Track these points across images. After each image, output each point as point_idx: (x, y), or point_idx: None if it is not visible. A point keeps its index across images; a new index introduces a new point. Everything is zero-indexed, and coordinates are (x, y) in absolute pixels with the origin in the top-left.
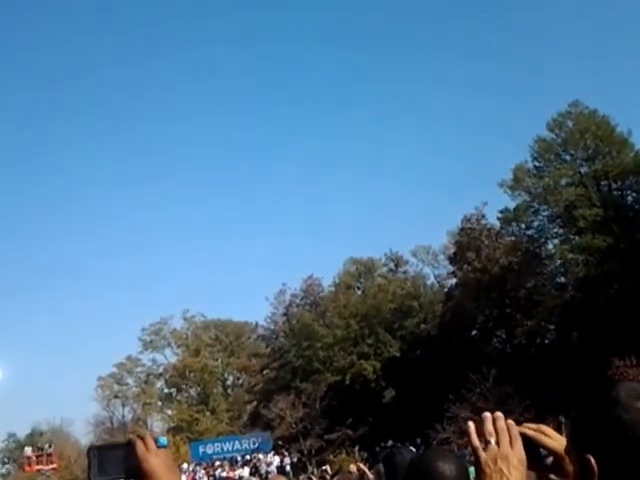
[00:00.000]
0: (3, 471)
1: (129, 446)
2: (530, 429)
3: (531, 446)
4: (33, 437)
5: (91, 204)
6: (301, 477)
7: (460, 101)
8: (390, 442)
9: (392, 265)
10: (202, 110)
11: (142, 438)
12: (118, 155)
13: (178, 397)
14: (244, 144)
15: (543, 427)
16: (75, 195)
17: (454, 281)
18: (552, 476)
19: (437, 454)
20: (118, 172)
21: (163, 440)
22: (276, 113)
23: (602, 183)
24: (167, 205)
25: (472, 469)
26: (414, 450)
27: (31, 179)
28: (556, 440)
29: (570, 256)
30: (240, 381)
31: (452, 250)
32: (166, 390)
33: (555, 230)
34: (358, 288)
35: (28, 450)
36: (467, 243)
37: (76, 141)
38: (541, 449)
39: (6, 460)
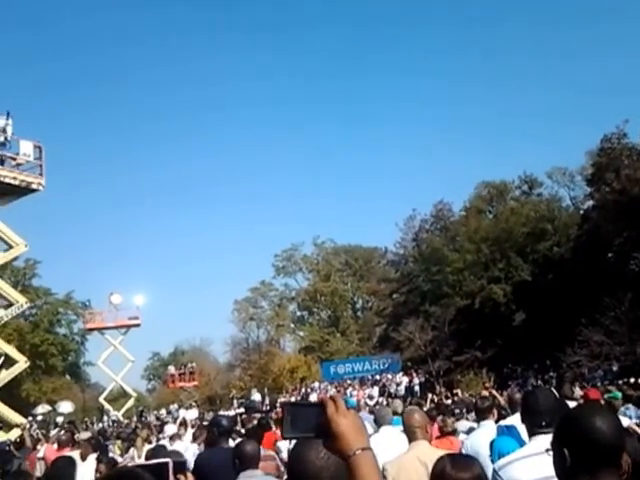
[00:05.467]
0: (149, 386)
1: (320, 406)
2: None
3: None
4: (175, 356)
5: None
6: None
7: (601, 17)
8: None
9: (526, 187)
10: None
11: (333, 399)
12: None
13: (310, 319)
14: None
15: None
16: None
17: (591, 203)
18: None
19: (594, 410)
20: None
21: (352, 401)
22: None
23: None
24: (299, 131)
25: None
26: (555, 392)
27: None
28: None
29: None
30: (369, 304)
31: (590, 171)
32: (298, 313)
33: None
34: (490, 212)
35: (172, 368)
36: (606, 164)
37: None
38: None
39: (151, 377)
